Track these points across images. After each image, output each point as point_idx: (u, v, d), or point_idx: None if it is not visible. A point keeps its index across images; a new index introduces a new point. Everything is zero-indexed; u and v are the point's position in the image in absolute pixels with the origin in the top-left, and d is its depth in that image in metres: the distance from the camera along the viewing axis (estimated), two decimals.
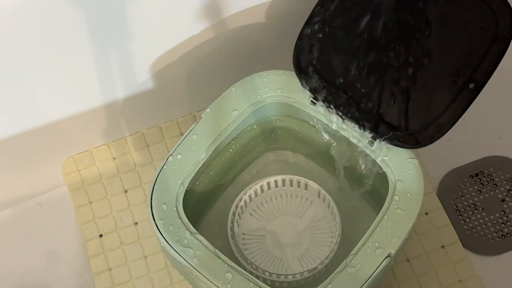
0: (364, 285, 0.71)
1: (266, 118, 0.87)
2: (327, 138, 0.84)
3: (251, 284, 0.72)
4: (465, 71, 0.74)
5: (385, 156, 0.78)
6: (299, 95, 0.82)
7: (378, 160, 0.79)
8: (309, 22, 0.80)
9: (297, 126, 0.88)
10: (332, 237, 0.87)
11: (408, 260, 0.93)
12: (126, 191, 0.99)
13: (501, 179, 1.00)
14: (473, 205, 0.98)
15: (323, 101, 0.80)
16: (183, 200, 0.77)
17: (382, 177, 0.79)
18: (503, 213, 0.97)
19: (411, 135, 0.76)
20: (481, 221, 0.97)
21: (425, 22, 0.75)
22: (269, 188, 0.90)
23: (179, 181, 0.78)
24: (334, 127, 0.81)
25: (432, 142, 0.76)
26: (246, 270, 0.77)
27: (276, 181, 0.90)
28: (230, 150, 0.87)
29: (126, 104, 0.95)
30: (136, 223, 0.97)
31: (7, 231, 0.98)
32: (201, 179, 0.85)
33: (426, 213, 0.96)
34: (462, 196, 0.98)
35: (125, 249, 0.96)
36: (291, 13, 0.90)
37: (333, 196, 0.87)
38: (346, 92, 0.79)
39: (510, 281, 0.94)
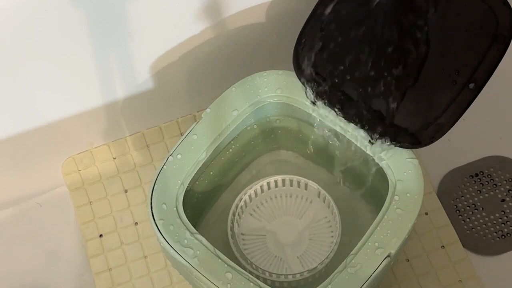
0: (364, 285, 0.71)
1: (266, 118, 0.87)
2: (327, 138, 0.84)
3: (251, 284, 0.72)
4: (465, 71, 0.74)
5: (385, 156, 0.78)
6: (299, 95, 0.82)
7: (378, 160, 0.79)
8: (309, 22, 0.80)
9: (297, 126, 0.88)
10: (332, 237, 0.87)
11: (408, 260, 0.93)
12: (126, 191, 0.99)
13: (501, 179, 1.00)
14: (473, 205, 0.98)
15: (323, 101, 0.80)
16: (183, 200, 0.77)
17: (382, 177, 0.79)
18: (503, 213, 0.97)
19: (411, 135, 0.76)
20: (481, 221, 0.97)
21: (425, 22, 0.75)
22: (269, 188, 0.90)
23: (179, 181, 0.78)
24: (334, 127, 0.81)
25: (432, 142, 0.76)
26: (246, 270, 0.77)
27: (276, 181, 0.90)
28: (230, 150, 0.87)
29: (126, 104, 0.95)
30: (136, 223, 0.97)
31: (7, 231, 0.98)
32: (201, 179, 0.85)
33: (426, 213, 0.96)
34: (462, 196, 0.98)
35: (125, 249, 0.96)
36: (291, 13, 0.90)
37: (333, 196, 0.87)
38: (346, 92, 0.79)
39: (510, 281, 0.94)
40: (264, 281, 0.79)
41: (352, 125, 0.79)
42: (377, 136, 0.78)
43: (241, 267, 0.74)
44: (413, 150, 0.78)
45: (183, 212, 0.76)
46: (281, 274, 0.82)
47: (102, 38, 0.82)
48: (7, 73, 0.80)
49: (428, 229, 0.95)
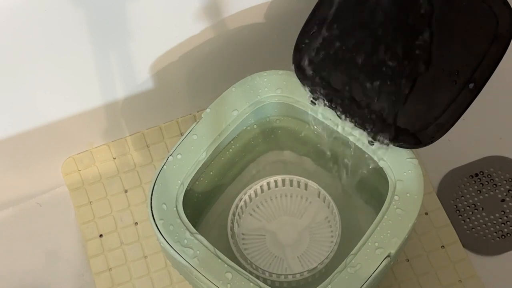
0: (364, 285, 0.71)
1: (266, 118, 0.87)
2: (327, 138, 0.84)
3: (251, 284, 0.72)
4: (465, 71, 0.74)
5: (385, 156, 0.78)
6: (299, 95, 0.82)
7: (378, 160, 0.79)
8: (309, 22, 0.80)
9: (297, 126, 0.88)
10: (332, 237, 0.87)
11: (408, 260, 0.93)
12: (126, 191, 0.99)
13: (501, 179, 1.00)
14: (473, 205, 0.98)
15: (323, 101, 0.80)
16: (183, 200, 0.77)
17: (382, 177, 0.79)
18: (503, 213, 0.97)
19: (411, 135, 0.76)
20: (481, 221, 0.97)
21: (425, 22, 0.75)
22: (269, 188, 0.90)
23: (179, 181, 0.78)
24: (334, 127, 0.81)
25: (432, 142, 0.76)
26: (246, 270, 0.77)
27: (276, 181, 0.90)
28: (230, 150, 0.87)
29: (126, 104, 0.95)
30: (136, 223, 0.97)
31: (7, 231, 0.98)
32: (201, 179, 0.85)
33: (426, 213, 0.96)
34: (462, 196, 0.98)
35: (125, 249, 0.96)
36: (291, 13, 0.90)
37: (333, 196, 0.87)
38: (345, 92, 0.79)
39: (510, 281, 0.94)
40: (264, 281, 0.79)
41: (352, 125, 0.79)
42: (377, 136, 0.78)
43: (241, 267, 0.74)
44: (413, 150, 0.78)
45: (183, 212, 0.76)
46: (281, 274, 0.82)
47: (102, 38, 0.82)
48: (7, 73, 0.80)
49: (428, 229, 0.95)
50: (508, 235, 0.96)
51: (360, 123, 0.78)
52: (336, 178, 0.90)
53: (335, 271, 0.72)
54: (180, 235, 0.75)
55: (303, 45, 0.80)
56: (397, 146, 0.77)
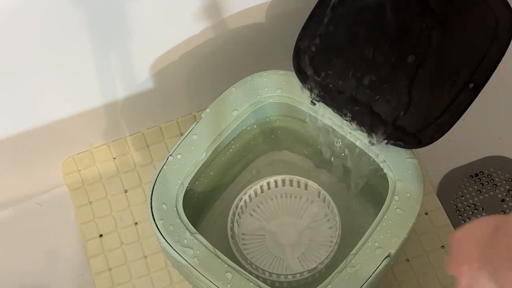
0: (364, 285, 0.71)
1: (266, 118, 0.87)
2: (327, 138, 0.84)
3: (251, 284, 0.72)
4: (465, 71, 0.74)
5: (385, 156, 0.78)
6: (299, 95, 0.82)
7: (378, 160, 0.79)
8: (309, 22, 0.80)
9: (297, 126, 0.88)
10: (332, 237, 0.87)
11: (408, 260, 0.93)
12: (126, 191, 0.99)
13: (501, 179, 1.00)
14: (473, 205, 0.98)
15: (323, 101, 0.80)
16: (183, 200, 0.77)
17: (382, 177, 0.79)
18: (503, 213, 0.97)
19: (412, 135, 0.76)
20: None
21: (425, 23, 0.75)
22: (269, 188, 0.90)
23: (179, 181, 0.78)
24: (333, 126, 0.81)
25: (432, 142, 0.76)
26: (246, 270, 0.77)
27: (276, 181, 0.90)
28: (230, 150, 0.87)
29: (126, 104, 0.95)
30: (136, 223, 0.97)
31: (7, 231, 0.98)
32: (201, 179, 0.85)
33: (426, 213, 0.96)
34: (462, 196, 0.98)
35: (125, 249, 0.96)
36: (291, 13, 0.90)
37: (333, 196, 0.87)
38: (345, 92, 0.79)
39: None
40: (264, 281, 0.79)
41: (352, 125, 0.79)
42: (377, 136, 0.78)
43: (241, 267, 0.74)
44: (413, 150, 0.78)
45: (183, 212, 0.76)
46: (281, 274, 0.82)
47: (102, 38, 0.82)
48: (7, 73, 0.80)
49: (428, 229, 0.95)
50: None
51: (360, 123, 0.78)
52: (336, 178, 0.90)
53: (335, 271, 0.72)
54: (180, 235, 0.75)
55: (303, 45, 0.80)
56: (397, 146, 0.77)
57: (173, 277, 0.94)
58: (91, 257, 0.95)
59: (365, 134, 0.79)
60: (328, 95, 0.79)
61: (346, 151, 0.83)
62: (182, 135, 0.82)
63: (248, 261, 0.83)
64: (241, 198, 0.88)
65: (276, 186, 0.90)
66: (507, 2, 0.72)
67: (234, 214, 0.87)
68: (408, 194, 0.76)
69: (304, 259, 0.86)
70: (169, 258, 0.81)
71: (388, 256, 0.73)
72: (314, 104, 0.81)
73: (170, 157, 0.79)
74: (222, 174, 0.89)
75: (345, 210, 0.88)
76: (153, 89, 0.94)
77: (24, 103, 0.86)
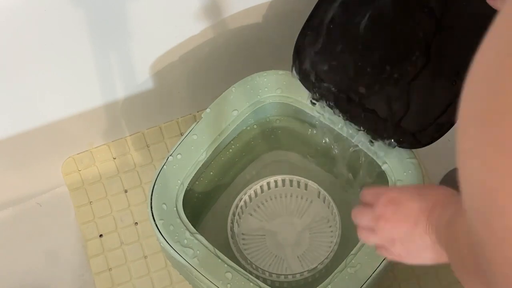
0: (364, 285, 0.71)
1: (266, 118, 0.87)
2: (327, 138, 0.84)
3: (251, 284, 0.72)
4: (465, 71, 0.73)
5: (385, 156, 0.78)
6: (299, 95, 0.82)
7: (378, 160, 0.79)
8: (309, 22, 0.80)
9: (297, 126, 0.88)
10: (332, 237, 0.87)
11: None
12: (126, 191, 0.99)
13: None
14: None
15: (323, 101, 0.80)
16: (183, 200, 0.77)
17: (382, 177, 0.79)
18: None
19: (412, 135, 0.76)
20: None
21: (425, 23, 0.75)
22: (269, 188, 0.90)
23: (179, 181, 0.78)
24: (333, 126, 0.81)
25: (432, 142, 0.76)
26: (246, 270, 0.77)
27: (276, 181, 0.89)
28: (230, 150, 0.87)
29: (126, 104, 0.95)
30: (136, 223, 0.97)
31: (7, 231, 0.98)
32: (201, 179, 0.85)
33: None
34: None
35: (125, 249, 0.96)
36: (291, 13, 0.90)
37: (333, 196, 0.87)
38: (345, 92, 0.79)
39: None
40: (264, 281, 0.79)
41: (352, 125, 0.79)
42: (377, 136, 0.78)
43: (241, 267, 0.74)
44: (413, 150, 0.78)
45: (183, 212, 0.76)
46: (281, 274, 0.82)
47: (102, 38, 0.82)
48: (7, 73, 0.80)
49: None
50: None
51: (360, 123, 0.78)
52: (336, 178, 0.90)
53: (335, 271, 0.72)
54: (180, 235, 0.75)
55: (303, 46, 0.80)
56: (397, 146, 0.77)
57: (173, 277, 0.94)
58: (91, 257, 0.95)
59: (365, 134, 0.79)
60: (328, 95, 0.79)
61: (346, 151, 0.83)
62: (182, 135, 0.82)
63: (248, 261, 0.83)
64: (241, 198, 0.88)
65: (276, 186, 0.90)
66: None
67: (234, 214, 0.87)
68: None
69: (304, 259, 0.86)
70: (169, 258, 0.81)
71: None
72: (314, 104, 0.81)
73: (170, 157, 0.79)
74: (222, 174, 0.89)
75: (345, 210, 0.88)
76: (153, 89, 0.94)
77: (24, 103, 0.86)
